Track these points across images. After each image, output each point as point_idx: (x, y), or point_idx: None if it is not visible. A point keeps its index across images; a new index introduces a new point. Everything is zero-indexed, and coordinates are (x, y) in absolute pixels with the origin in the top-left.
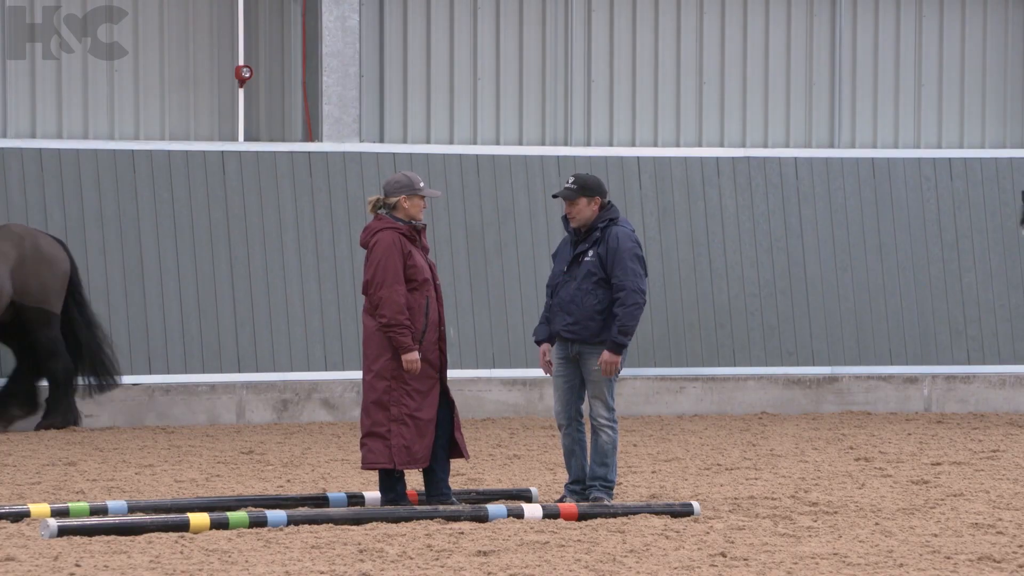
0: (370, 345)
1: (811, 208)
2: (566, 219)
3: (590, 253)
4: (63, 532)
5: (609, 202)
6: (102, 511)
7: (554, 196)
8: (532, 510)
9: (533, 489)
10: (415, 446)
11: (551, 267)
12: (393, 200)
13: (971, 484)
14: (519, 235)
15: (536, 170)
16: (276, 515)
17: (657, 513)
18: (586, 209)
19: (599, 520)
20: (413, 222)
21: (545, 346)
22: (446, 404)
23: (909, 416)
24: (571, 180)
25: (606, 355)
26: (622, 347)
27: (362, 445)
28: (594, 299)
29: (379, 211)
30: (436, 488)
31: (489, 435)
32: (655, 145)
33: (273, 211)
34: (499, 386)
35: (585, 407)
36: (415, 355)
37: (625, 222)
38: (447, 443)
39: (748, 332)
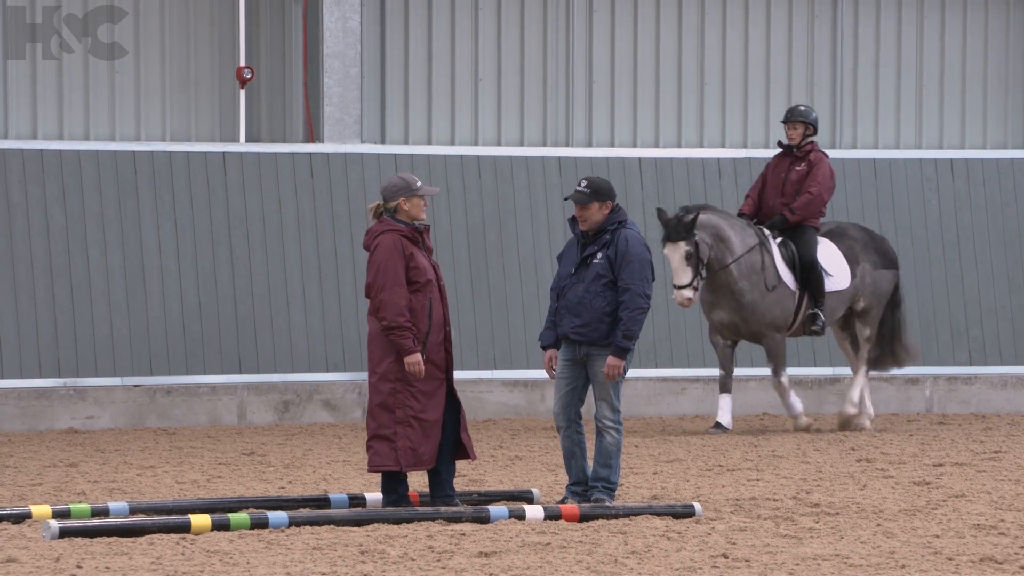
0: (374, 347)
1: None
2: (573, 220)
3: (599, 255)
4: (64, 533)
5: (617, 204)
6: (103, 512)
7: (566, 199)
8: (533, 511)
9: (535, 490)
10: (421, 448)
11: (553, 268)
12: (393, 204)
13: (973, 485)
14: (520, 236)
15: (537, 171)
16: (277, 516)
17: (659, 514)
18: (597, 213)
19: (600, 521)
20: (415, 223)
21: (551, 351)
22: (452, 405)
23: (911, 417)
24: (583, 183)
25: (611, 360)
26: (627, 351)
27: (368, 448)
28: (603, 301)
29: (382, 215)
30: (440, 489)
31: (490, 436)
32: (656, 146)
33: (274, 212)
34: (500, 387)
35: (586, 408)
36: (417, 357)
37: (633, 225)
38: (453, 444)
39: None
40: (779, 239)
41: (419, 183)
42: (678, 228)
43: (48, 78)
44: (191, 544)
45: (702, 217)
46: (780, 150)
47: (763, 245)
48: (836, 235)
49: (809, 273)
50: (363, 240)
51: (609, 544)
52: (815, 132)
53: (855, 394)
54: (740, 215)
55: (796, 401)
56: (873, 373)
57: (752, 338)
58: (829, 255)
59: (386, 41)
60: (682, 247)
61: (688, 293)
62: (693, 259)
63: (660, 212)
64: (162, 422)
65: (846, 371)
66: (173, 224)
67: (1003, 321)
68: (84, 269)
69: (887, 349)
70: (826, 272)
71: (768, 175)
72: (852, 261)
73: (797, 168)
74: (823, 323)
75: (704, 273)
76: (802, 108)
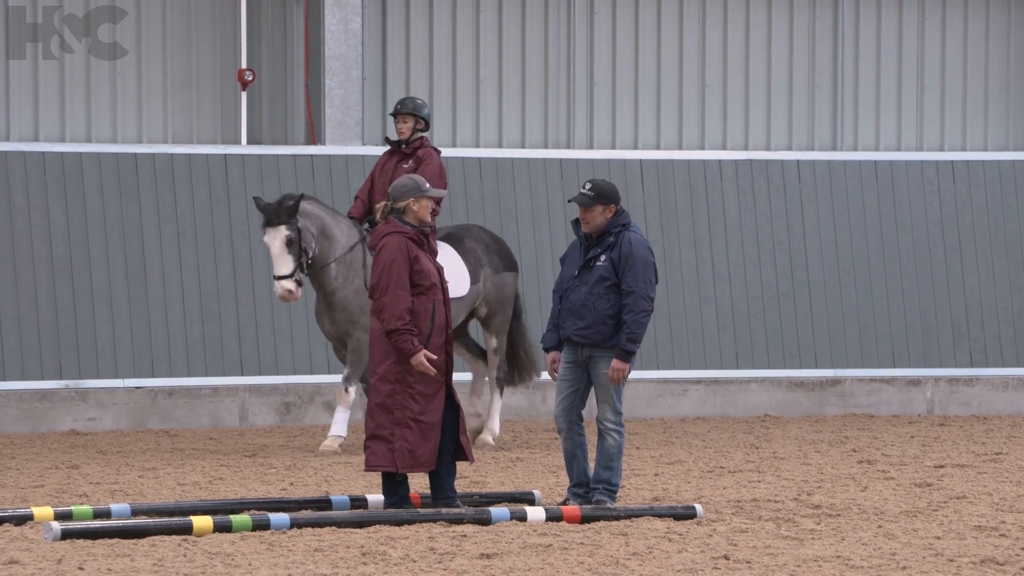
0: (376, 348)
1: (813, 210)
2: (576, 223)
3: (603, 258)
4: (66, 535)
5: (621, 208)
6: (105, 514)
7: (570, 201)
8: (535, 513)
9: (536, 492)
10: (419, 449)
11: (555, 270)
12: (401, 204)
13: (974, 487)
14: (522, 238)
15: (539, 173)
16: (279, 518)
17: (660, 516)
18: (600, 216)
19: (602, 523)
20: (421, 226)
21: (554, 353)
22: (452, 407)
23: (912, 419)
24: (588, 186)
25: (615, 363)
26: (631, 354)
27: (366, 448)
28: (606, 303)
29: (389, 216)
30: (441, 491)
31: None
32: (657, 147)
33: None
34: None
35: (588, 410)
36: (421, 356)
37: (636, 227)
38: (453, 446)
39: (751, 334)
40: None
41: (428, 184)
42: (278, 212)
43: (49, 79)
44: (193, 546)
45: (308, 206)
46: (389, 147)
47: (365, 243)
48: (455, 238)
49: None
50: (368, 241)
51: (610, 546)
52: (427, 127)
53: (487, 408)
54: (349, 217)
55: (343, 423)
56: (879, 373)
57: (340, 339)
58: (447, 259)
59: (387, 43)
60: (283, 231)
61: (289, 284)
62: (295, 247)
63: (257, 199)
64: (164, 424)
65: (846, 372)
66: (175, 226)
67: (1004, 322)
68: (86, 271)
69: (512, 364)
70: None
71: (376, 174)
72: (473, 265)
73: (405, 166)
74: None
75: (307, 269)
76: (415, 101)
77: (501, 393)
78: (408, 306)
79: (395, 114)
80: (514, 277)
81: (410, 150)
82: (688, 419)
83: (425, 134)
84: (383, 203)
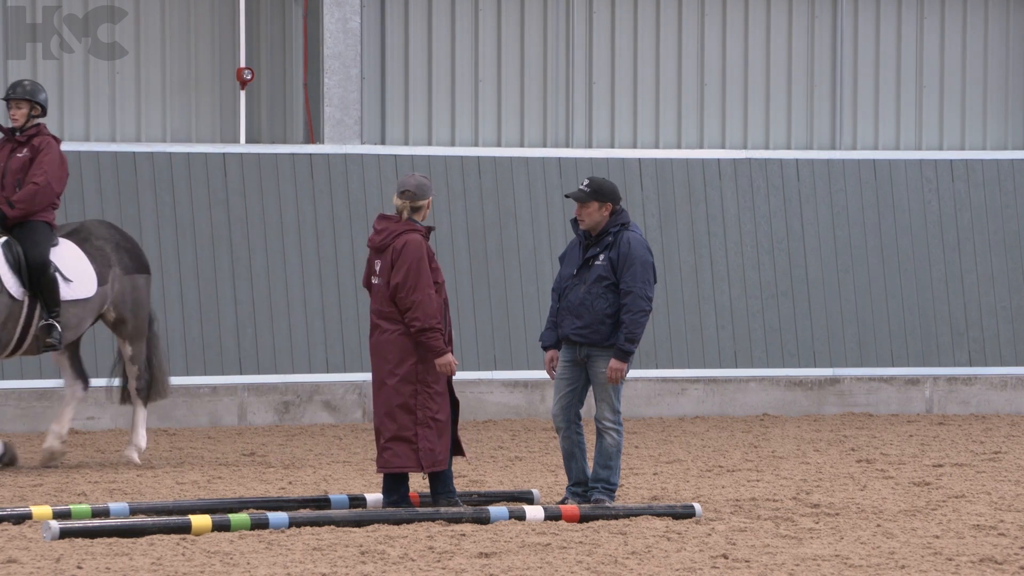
0: (392, 350)
1: (812, 210)
2: (575, 222)
3: (601, 257)
4: (65, 534)
5: (620, 207)
6: (104, 513)
7: (566, 196)
8: (534, 512)
9: (535, 491)
10: (437, 448)
11: (554, 269)
12: (421, 202)
13: (973, 486)
14: (520, 237)
15: (538, 172)
16: (278, 517)
17: (659, 515)
18: (596, 213)
19: (601, 522)
20: (427, 224)
21: (552, 352)
22: (452, 403)
23: (911, 418)
24: (585, 182)
25: (613, 362)
26: (629, 354)
27: (385, 449)
28: (604, 303)
29: (403, 214)
30: (444, 486)
31: (490, 437)
32: (656, 147)
33: (274, 213)
34: (500, 388)
35: (586, 409)
36: (449, 357)
37: (636, 227)
38: (450, 442)
39: (750, 334)
40: (3, 239)
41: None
42: None
43: (48, 78)
44: (191, 545)
45: None
46: (2, 135)
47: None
48: (81, 235)
49: (40, 277)
50: (372, 238)
51: (609, 545)
52: (43, 113)
53: (64, 422)
54: None
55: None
56: (878, 372)
57: None
58: (71, 258)
59: (386, 42)
60: None
61: None
62: None
63: None
64: (162, 423)
65: (845, 371)
66: (173, 225)
67: (1003, 322)
68: None
69: (152, 376)
70: (65, 277)
71: None
72: (101, 265)
73: (19, 155)
74: (60, 336)
75: None
76: (33, 84)
77: (145, 404)
78: (437, 305)
79: (7, 99)
80: (146, 280)
81: (24, 138)
82: (687, 418)
83: (43, 120)
84: (404, 203)
